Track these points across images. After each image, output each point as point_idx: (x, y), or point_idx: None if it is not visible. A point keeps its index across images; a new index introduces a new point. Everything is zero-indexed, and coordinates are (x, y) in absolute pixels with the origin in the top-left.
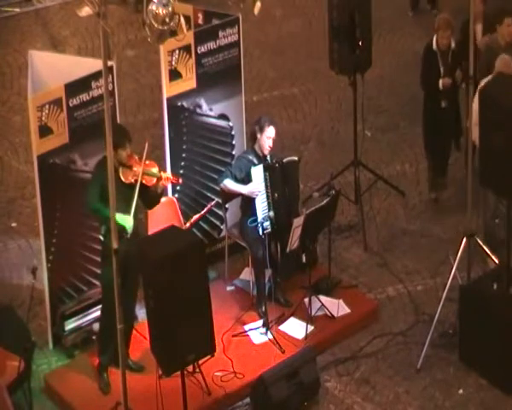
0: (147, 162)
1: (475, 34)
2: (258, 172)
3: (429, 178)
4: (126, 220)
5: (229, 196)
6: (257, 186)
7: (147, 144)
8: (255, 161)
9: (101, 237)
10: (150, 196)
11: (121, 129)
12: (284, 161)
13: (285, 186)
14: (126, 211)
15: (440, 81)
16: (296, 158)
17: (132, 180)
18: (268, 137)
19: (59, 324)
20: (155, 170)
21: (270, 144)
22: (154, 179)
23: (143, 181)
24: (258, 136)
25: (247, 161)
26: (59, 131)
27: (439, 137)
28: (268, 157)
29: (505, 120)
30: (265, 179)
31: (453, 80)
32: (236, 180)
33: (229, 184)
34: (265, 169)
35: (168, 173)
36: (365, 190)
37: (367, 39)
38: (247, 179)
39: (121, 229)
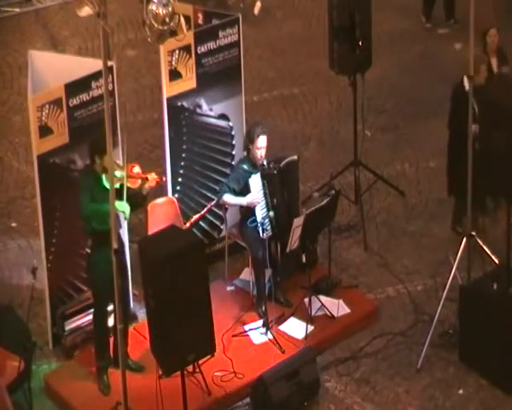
0: (130, 165)
1: (491, 66)
2: (256, 182)
3: (455, 213)
4: (124, 206)
5: None
6: (256, 195)
7: (125, 146)
8: (251, 169)
9: (88, 250)
10: (136, 199)
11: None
12: (282, 165)
13: (284, 190)
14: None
15: (473, 126)
16: (295, 157)
17: (117, 185)
18: (259, 147)
19: (59, 324)
20: (139, 172)
21: (263, 154)
22: (139, 181)
23: (128, 184)
24: (250, 147)
25: (243, 172)
26: (59, 131)
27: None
28: (264, 162)
29: (505, 120)
30: (264, 187)
31: None
32: (235, 192)
33: (229, 198)
34: (263, 177)
35: (152, 174)
36: (365, 190)
37: (367, 39)
38: (245, 190)
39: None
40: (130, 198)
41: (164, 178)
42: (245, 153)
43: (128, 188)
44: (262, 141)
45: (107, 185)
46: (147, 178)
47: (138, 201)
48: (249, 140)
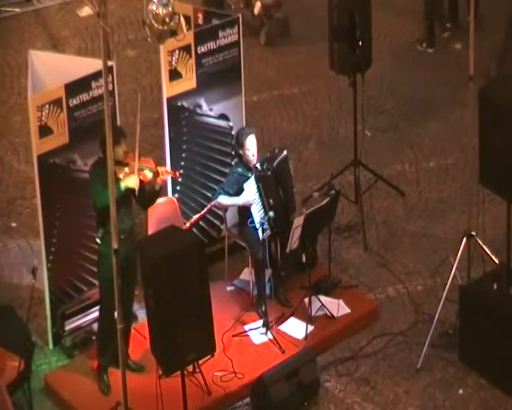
0: (143, 158)
1: None
2: (251, 186)
3: None
4: (131, 181)
5: None
6: (251, 196)
7: (138, 131)
8: (246, 172)
9: (98, 240)
10: (148, 193)
11: (115, 126)
12: (275, 164)
13: (278, 188)
14: (125, 208)
15: None
16: (285, 152)
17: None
18: (249, 148)
19: (59, 324)
20: (152, 165)
21: (255, 153)
22: (151, 174)
23: (140, 177)
24: (241, 152)
25: (238, 175)
26: (59, 131)
27: None
28: (257, 164)
29: (505, 119)
30: (259, 189)
31: None
32: (230, 196)
33: (224, 200)
34: (258, 180)
35: (165, 168)
36: (365, 190)
37: (367, 39)
38: (240, 193)
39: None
40: (144, 193)
41: (178, 173)
42: (236, 159)
43: (141, 181)
44: (251, 141)
45: (120, 177)
46: (158, 172)
47: (151, 195)
48: (239, 144)
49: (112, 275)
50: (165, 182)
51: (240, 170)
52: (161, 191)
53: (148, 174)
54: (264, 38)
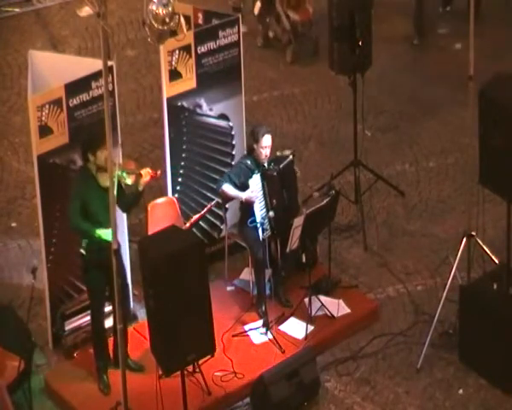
0: (124, 161)
1: None
2: (255, 182)
3: None
4: (107, 234)
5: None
6: (255, 193)
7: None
8: (253, 166)
9: (83, 251)
10: (127, 197)
11: (98, 131)
12: (281, 166)
13: (283, 190)
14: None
15: None
16: (291, 157)
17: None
18: (263, 147)
19: (59, 324)
20: (133, 167)
21: (267, 153)
22: (133, 177)
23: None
24: (255, 146)
25: (245, 167)
26: (59, 131)
27: None
28: (265, 163)
29: (505, 119)
30: (263, 187)
31: None
32: (235, 186)
33: (228, 189)
34: (263, 178)
35: (147, 169)
36: (365, 190)
37: (367, 39)
38: (244, 186)
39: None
40: (124, 197)
41: (159, 172)
42: (246, 152)
43: (122, 185)
44: (267, 140)
45: (101, 183)
46: (140, 174)
47: (133, 198)
48: (254, 139)
49: (95, 283)
50: (148, 183)
51: (248, 162)
52: (143, 192)
53: (127, 178)
54: (290, 56)
